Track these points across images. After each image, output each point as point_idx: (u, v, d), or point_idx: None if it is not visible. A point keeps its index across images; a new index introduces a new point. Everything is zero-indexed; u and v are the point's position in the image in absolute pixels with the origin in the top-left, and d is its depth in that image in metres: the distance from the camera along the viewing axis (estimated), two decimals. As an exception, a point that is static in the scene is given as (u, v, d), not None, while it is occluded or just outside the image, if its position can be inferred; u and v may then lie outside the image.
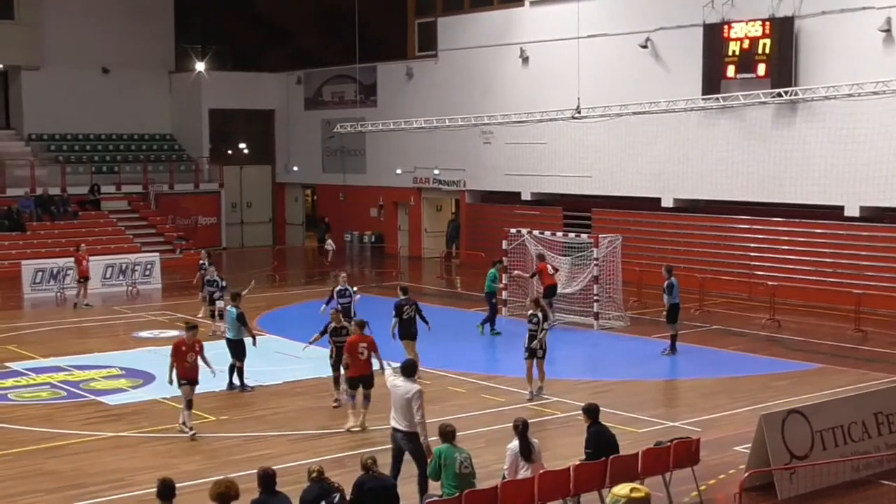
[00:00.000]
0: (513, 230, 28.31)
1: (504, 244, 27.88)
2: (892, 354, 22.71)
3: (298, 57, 46.97)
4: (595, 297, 25.71)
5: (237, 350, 19.46)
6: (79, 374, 20.82)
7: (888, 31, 27.39)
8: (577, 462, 12.62)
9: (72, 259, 30.60)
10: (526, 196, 37.06)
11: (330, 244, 40.20)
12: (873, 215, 28.70)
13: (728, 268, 30.84)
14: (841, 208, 28.91)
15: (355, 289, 22.53)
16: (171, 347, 16.88)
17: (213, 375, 17.22)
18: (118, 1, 43.76)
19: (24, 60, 42.03)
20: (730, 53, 30.03)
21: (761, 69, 29.44)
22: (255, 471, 10.56)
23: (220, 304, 24.76)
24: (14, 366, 21.71)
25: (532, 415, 16.13)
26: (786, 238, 30.40)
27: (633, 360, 22.34)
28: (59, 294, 31.25)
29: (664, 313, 22.81)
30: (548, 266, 25.51)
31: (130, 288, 32.69)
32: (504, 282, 26.94)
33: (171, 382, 16.71)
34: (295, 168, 46.47)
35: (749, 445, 14.10)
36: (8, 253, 35.87)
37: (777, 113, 29.81)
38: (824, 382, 19.79)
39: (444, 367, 21.11)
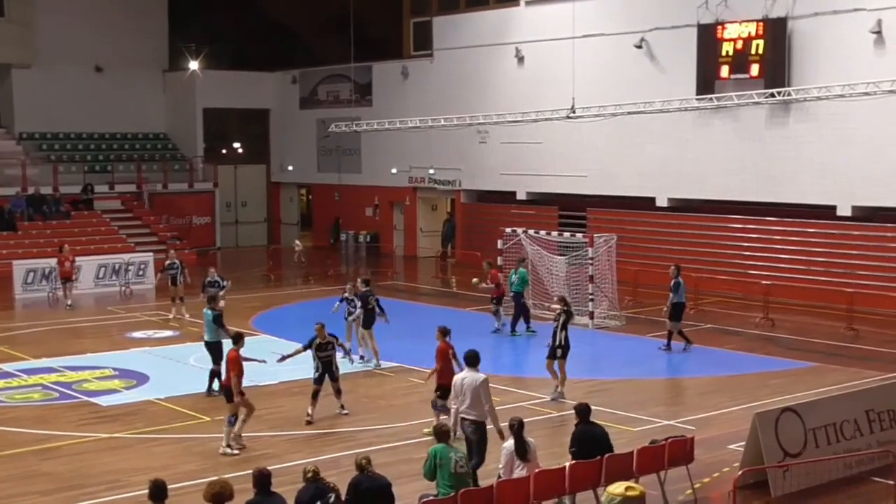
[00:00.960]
0: (508, 230, 28.33)
1: (499, 243, 27.91)
2: (885, 353, 22.80)
3: (293, 56, 46.95)
4: (590, 297, 25.74)
5: (216, 353, 18.93)
6: (71, 375, 20.75)
7: (879, 32, 27.47)
8: (572, 461, 12.67)
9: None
10: (521, 195, 37.09)
11: (297, 244, 39.92)
12: (866, 215, 28.79)
13: (722, 267, 30.91)
14: (834, 208, 29.01)
15: (359, 304, 21.67)
16: (226, 361, 16.10)
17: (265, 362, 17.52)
18: (112, -1, 43.76)
19: (16, 58, 41.88)
20: (724, 54, 30.10)
21: (755, 69, 29.52)
22: (251, 471, 10.58)
23: (221, 303, 24.73)
24: (5, 367, 21.60)
25: (528, 414, 16.14)
26: (779, 237, 30.47)
27: (629, 359, 22.38)
28: (50, 294, 31.18)
29: (667, 311, 22.73)
30: (499, 275, 25.45)
31: (124, 288, 32.62)
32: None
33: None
34: (290, 167, 46.45)
35: (743, 443, 14.16)
36: (-1, 253, 35.79)
37: (770, 113, 29.88)
38: (817, 381, 19.85)
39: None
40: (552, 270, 26.81)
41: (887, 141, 27.53)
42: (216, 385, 18.56)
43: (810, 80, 27.90)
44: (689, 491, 13.45)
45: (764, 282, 27.73)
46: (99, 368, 21.35)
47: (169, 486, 9.94)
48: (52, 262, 31.53)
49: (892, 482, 12.76)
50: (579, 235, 27.36)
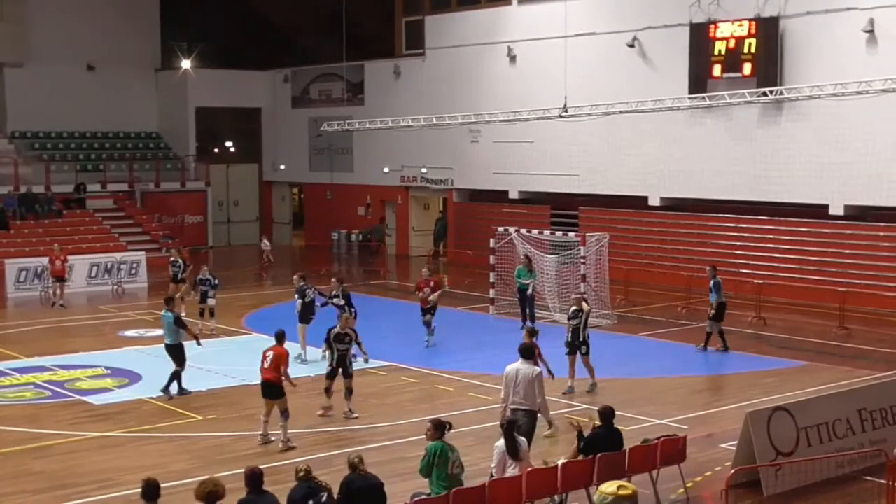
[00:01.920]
0: (500, 229, 28.33)
1: (492, 242, 27.90)
2: (876, 352, 22.86)
3: (285, 55, 46.90)
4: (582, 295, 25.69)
5: (178, 356, 18.88)
6: (63, 374, 20.72)
7: (871, 31, 27.54)
8: (565, 460, 12.67)
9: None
10: (513, 194, 37.11)
11: (266, 244, 39.79)
12: (858, 214, 28.86)
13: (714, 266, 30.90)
14: (826, 207, 29.06)
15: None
16: (276, 357, 15.88)
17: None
18: (104, -2, 43.67)
19: (8, 57, 41.77)
20: (716, 53, 30.15)
21: (747, 68, 29.56)
22: (243, 470, 10.56)
23: (211, 301, 24.73)
24: (-2, 365, 21.59)
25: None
26: (771, 236, 30.53)
27: (621, 358, 22.37)
28: (43, 293, 31.10)
29: (711, 312, 22.66)
30: (429, 283, 23.33)
31: (116, 287, 32.59)
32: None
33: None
34: (282, 166, 46.41)
35: (735, 442, 14.17)
36: (-8, 252, 35.69)
37: (762, 112, 29.93)
38: (809, 380, 19.89)
39: (431, 366, 21.13)
40: (544, 269, 26.81)
41: (879, 140, 27.59)
42: (174, 387, 18.77)
43: (802, 79, 27.96)
44: (682, 490, 13.46)
45: (756, 281, 27.78)
46: (91, 367, 21.32)
47: (161, 485, 9.92)
48: (45, 260, 31.47)
49: (883, 481, 12.78)
50: (571, 234, 27.40)
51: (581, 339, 18.90)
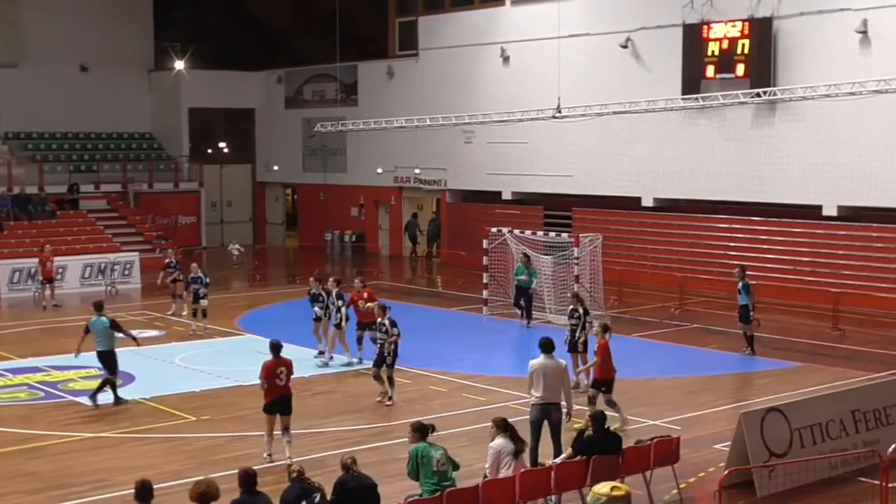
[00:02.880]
0: (493, 229, 28.35)
1: (485, 243, 27.91)
2: (870, 353, 22.90)
3: (279, 55, 46.85)
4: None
5: (110, 363, 18.55)
6: (57, 375, 20.70)
7: (865, 32, 27.57)
8: (558, 461, 12.68)
9: (54, 258, 30.55)
10: (507, 195, 37.10)
11: (236, 247, 39.67)
12: (851, 214, 28.89)
13: (707, 267, 30.99)
14: (819, 207, 29.09)
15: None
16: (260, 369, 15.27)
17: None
18: (97, -2, 43.58)
19: (1, 58, 41.57)
20: (709, 53, 30.17)
21: (740, 69, 29.59)
22: (236, 471, 10.56)
23: (204, 302, 24.70)
24: (-9, 366, 21.55)
25: (512, 414, 16.15)
26: (765, 237, 30.55)
27: (614, 359, 22.34)
28: (36, 294, 31.05)
29: (749, 314, 22.53)
30: (362, 296, 21.28)
31: (109, 287, 32.54)
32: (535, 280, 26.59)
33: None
34: (275, 167, 46.37)
35: (728, 443, 14.18)
36: (-15, 252, 35.59)
37: (756, 113, 29.97)
38: (803, 380, 19.91)
39: (424, 367, 21.11)
40: (540, 269, 26.78)
41: (873, 141, 27.63)
42: (103, 397, 18.32)
43: (796, 79, 27.99)
44: (675, 491, 13.48)
45: (749, 281, 27.74)
46: (84, 368, 21.23)
47: (154, 486, 9.91)
48: (38, 261, 31.48)
49: (877, 482, 12.80)
50: (565, 235, 27.42)
51: (578, 338, 19.09)
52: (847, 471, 14.28)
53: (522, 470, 12.01)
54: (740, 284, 22.65)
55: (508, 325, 25.35)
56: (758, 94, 26.99)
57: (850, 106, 26.16)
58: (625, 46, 32.58)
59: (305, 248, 44.56)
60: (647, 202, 33.15)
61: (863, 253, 28.49)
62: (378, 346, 18.38)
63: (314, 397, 17.68)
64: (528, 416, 14.45)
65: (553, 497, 12.57)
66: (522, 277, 25.38)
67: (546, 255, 27.18)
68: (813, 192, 28.96)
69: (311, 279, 22.45)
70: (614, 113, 29.12)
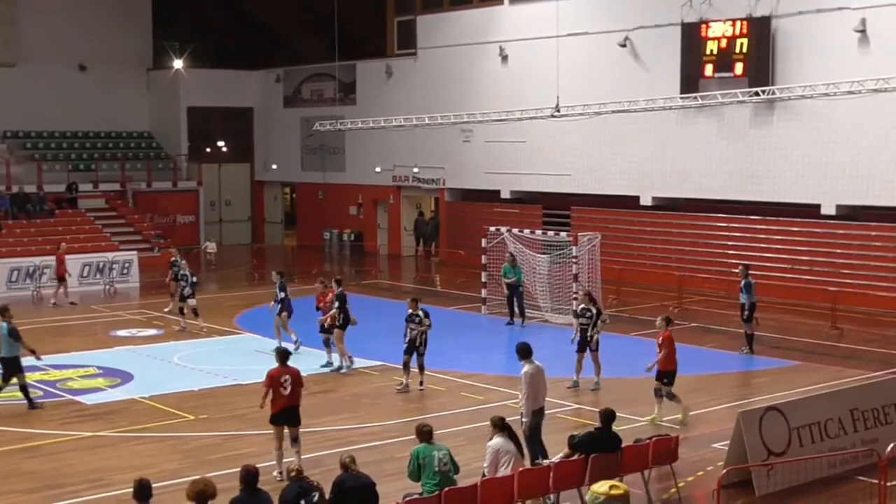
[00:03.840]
0: (492, 228, 28.34)
1: (483, 242, 27.90)
2: (868, 351, 22.90)
3: (277, 55, 46.84)
4: (574, 295, 25.73)
5: (14, 368, 18.24)
6: (55, 374, 20.66)
7: (863, 31, 27.57)
8: (557, 459, 12.68)
9: (50, 257, 30.60)
10: (505, 194, 37.10)
11: (210, 246, 39.60)
12: (849, 213, 28.90)
13: (706, 266, 31.00)
14: (817, 206, 29.09)
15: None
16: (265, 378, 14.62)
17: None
18: (95, -3, 43.56)
19: (-1, 57, 41.72)
20: (708, 52, 30.17)
21: (739, 68, 29.59)
22: (234, 470, 10.55)
23: (191, 301, 24.70)
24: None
25: (510, 413, 16.15)
26: (763, 236, 30.56)
27: (612, 358, 22.34)
28: (35, 293, 31.03)
29: (745, 313, 22.56)
30: (327, 297, 21.17)
31: (108, 286, 32.53)
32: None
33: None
34: (274, 166, 46.35)
35: (727, 442, 14.18)
36: (-17, 251, 35.54)
37: (754, 112, 29.96)
38: (801, 379, 19.91)
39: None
40: (536, 269, 26.83)
41: (871, 140, 27.63)
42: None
43: (794, 78, 27.98)
44: (673, 490, 13.48)
45: (752, 280, 27.73)
46: (83, 367, 21.27)
47: (153, 485, 9.90)
48: (37, 260, 31.65)
49: (875, 481, 12.80)
50: (563, 234, 27.40)
51: (589, 337, 19.43)
52: (845, 470, 14.29)
53: (520, 469, 12.01)
54: (743, 283, 22.63)
55: (507, 324, 25.30)
56: (756, 94, 26.98)
57: (848, 105, 26.15)
58: (623, 45, 32.57)
59: (304, 248, 44.53)
60: (646, 201, 33.14)
61: (861, 252, 28.49)
62: (409, 335, 18.92)
63: (312, 396, 17.67)
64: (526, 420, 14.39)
65: (552, 496, 12.56)
66: (511, 279, 25.45)
67: (543, 254, 27.16)
68: (811, 191, 28.95)
69: (274, 273, 22.75)
70: (613, 112, 29.12)
